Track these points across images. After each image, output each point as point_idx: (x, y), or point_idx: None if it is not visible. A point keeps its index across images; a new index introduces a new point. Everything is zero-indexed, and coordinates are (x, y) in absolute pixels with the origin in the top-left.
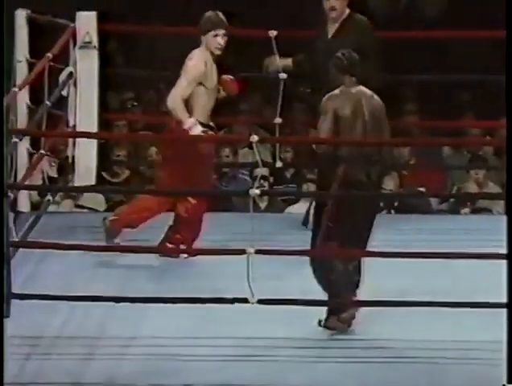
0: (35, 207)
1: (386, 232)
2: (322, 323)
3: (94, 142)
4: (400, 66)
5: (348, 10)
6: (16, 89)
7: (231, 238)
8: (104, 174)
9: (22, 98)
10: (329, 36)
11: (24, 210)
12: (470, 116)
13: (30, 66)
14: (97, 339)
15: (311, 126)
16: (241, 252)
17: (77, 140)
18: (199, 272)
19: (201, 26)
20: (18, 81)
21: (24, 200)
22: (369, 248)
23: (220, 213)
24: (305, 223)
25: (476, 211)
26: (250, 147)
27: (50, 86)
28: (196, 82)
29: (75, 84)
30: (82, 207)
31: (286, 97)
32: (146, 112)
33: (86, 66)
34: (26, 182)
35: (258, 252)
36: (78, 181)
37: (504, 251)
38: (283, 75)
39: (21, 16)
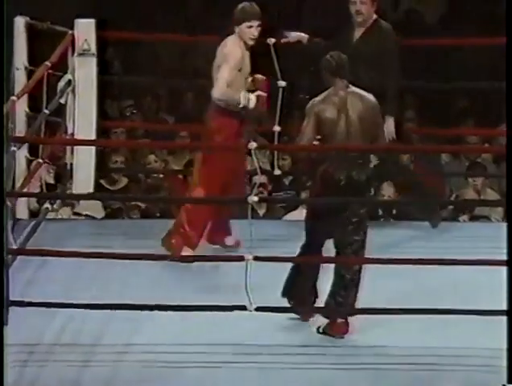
0: (33, 214)
1: (384, 239)
2: (321, 329)
3: (92, 150)
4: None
5: (374, 16)
6: (15, 98)
7: None
8: (102, 181)
9: (21, 106)
10: (354, 40)
11: (23, 217)
12: (468, 123)
13: (29, 73)
14: (94, 346)
15: None
16: (240, 258)
17: (76, 147)
18: (197, 279)
19: (235, 17)
20: (17, 89)
21: (23, 208)
22: (368, 255)
23: None
24: None
25: (474, 218)
26: (249, 154)
27: (48, 94)
28: (236, 68)
29: (73, 92)
30: (80, 214)
31: (286, 105)
32: (145, 119)
33: (85, 73)
34: (25, 190)
35: (256, 258)
36: (76, 188)
37: (503, 257)
38: (282, 83)
39: (20, 23)
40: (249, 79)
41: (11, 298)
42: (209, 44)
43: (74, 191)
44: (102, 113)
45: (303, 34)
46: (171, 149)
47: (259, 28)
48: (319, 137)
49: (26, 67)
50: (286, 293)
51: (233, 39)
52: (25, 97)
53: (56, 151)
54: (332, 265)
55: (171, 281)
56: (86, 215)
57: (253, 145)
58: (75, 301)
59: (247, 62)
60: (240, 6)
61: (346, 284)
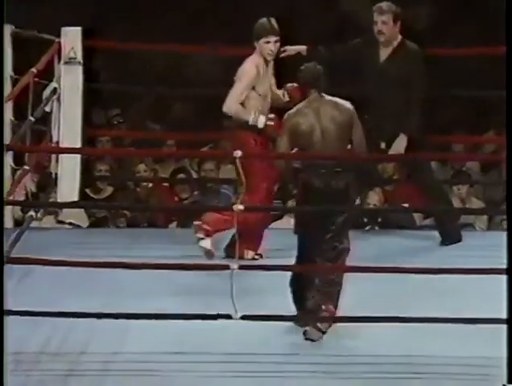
0: (17, 223)
1: (370, 247)
2: (305, 335)
3: (77, 158)
4: None
5: (400, 37)
6: None
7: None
8: (87, 190)
9: (6, 113)
10: (381, 60)
11: (8, 226)
12: (454, 131)
13: (15, 81)
14: (80, 355)
15: None
16: (225, 267)
17: (61, 156)
18: (182, 287)
19: (254, 33)
20: None
21: (7, 216)
22: (354, 263)
23: None
24: None
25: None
26: (235, 163)
27: (34, 101)
28: (249, 87)
29: (59, 100)
30: (63, 222)
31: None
32: (132, 128)
33: (70, 81)
34: (10, 198)
35: (241, 267)
36: (61, 197)
37: (491, 266)
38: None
39: (5, 31)
40: (283, 91)
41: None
42: (197, 54)
43: (59, 200)
44: (88, 122)
45: (302, 46)
46: (158, 157)
47: (277, 43)
48: (295, 149)
49: (11, 76)
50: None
51: (253, 56)
52: (9, 105)
53: (41, 160)
54: None
55: (156, 289)
56: (70, 224)
57: (238, 153)
58: (60, 310)
59: (266, 79)
60: (258, 21)
61: (324, 291)
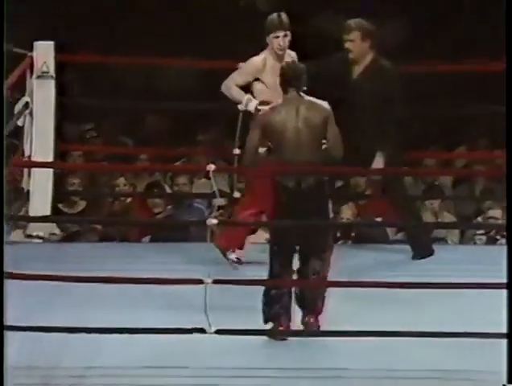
0: None
1: (344, 261)
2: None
3: (50, 173)
4: None
5: (371, 54)
6: None
7: (188, 268)
8: (60, 205)
9: None
10: (354, 77)
11: None
12: (426, 147)
13: None
14: (53, 369)
15: None
16: (199, 282)
17: (33, 170)
18: (156, 301)
19: (265, 28)
20: None
21: None
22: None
23: (176, 243)
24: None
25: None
26: (208, 177)
27: (6, 116)
28: (248, 75)
29: (31, 114)
30: (32, 236)
31: (246, 128)
32: (105, 142)
33: (43, 96)
34: None
35: (215, 281)
36: (33, 211)
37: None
38: (242, 107)
39: None
40: None
41: None
42: (171, 67)
43: (31, 214)
44: (62, 136)
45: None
46: (130, 172)
47: (287, 38)
48: (268, 145)
49: None
50: (265, 317)
51: (264, 51)
52: None
53: (13, 174)
54: None
55: (129, 303)
56: (40, 238)
57: (211, 167)
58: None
59: (274, 72)
60: (268, 17)
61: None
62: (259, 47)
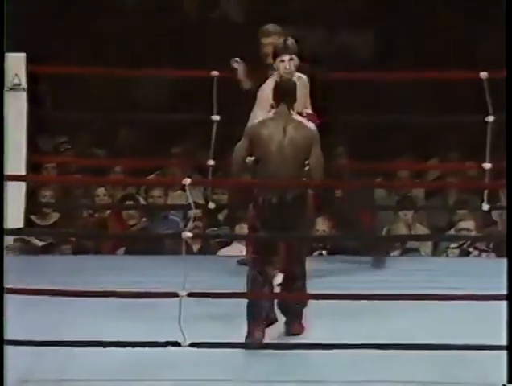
0: None
1: (318, 273)
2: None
3: (23, 185)
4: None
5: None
6: None
7: (163, 280)
8: (32, 217)
9: None
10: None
11: None
12: (400, 157)
13: None
14: (24, 382)
15: None
16: (174, 295)
17: (5, 183)
18: (130, 314)
19: (271, 53)
20: None
21: None
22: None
23: (151, 256)
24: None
25: (405, 252)
26: (184, 189)
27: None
28: (266, 107)
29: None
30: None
31: (220, 139)
32: (79, 154)
33: (14, 108)
34: None
35: (190, 294)
36: (6, 223)
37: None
38: (216, 117)
39: None
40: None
41: None
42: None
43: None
44: (35, 149)
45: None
46: (106, 185)
47: (292, 62)
48: (253, 157)
49: None
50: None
51: (272, 77)
52: None
53: None
54: None
55: (104, 315)
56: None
57: (187, 180)
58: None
59: None
60: (276, 42)
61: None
62: (233, 56)
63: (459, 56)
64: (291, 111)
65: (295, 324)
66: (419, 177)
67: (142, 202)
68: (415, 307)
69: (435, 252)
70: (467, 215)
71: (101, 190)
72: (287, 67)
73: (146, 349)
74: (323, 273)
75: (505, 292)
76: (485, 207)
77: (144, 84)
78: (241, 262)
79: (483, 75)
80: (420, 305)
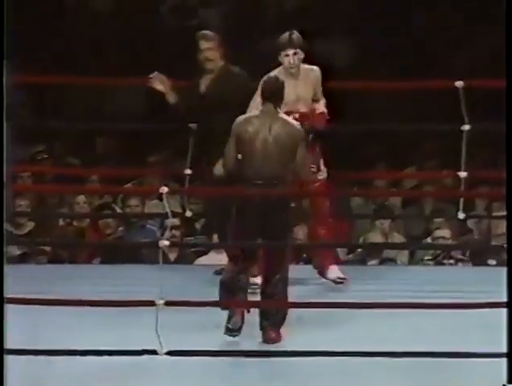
0: None
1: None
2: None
3: None
4: None
5: (221, 62)
6: None
7: (140, 289)
8: (7, 225)
9: None
10: (204, 87)
11: None
12: (376, 166)
13: None
14: None
15: None
16: (151, 303)
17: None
18: (107, 323)
19: (277, 47)
20: None
21: None
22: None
23: (128, 265)
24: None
25: (382, 261)
26: (160, 198)
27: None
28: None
29: None
30: None
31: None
32: (56, 163)
33: None
34: None
35: (167, 303)
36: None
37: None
38: (195, 126)
39: None
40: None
41: None
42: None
43: None
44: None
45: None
46: (83, 193)
47: (296, 56)
48: (239, 155)
49: None
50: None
51: (278, 69)
52: None
53: None
54: None
55: (81, 324)
56: None
57: (164, 189)
58: None
59: (288, 88)
60: (280, 36)
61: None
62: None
63: (435, 65)
64: (278, 109)
65: (271, 332)
66: (395, 186)
67: (119, 211)
68: (395, 315)
69: (412, 261)
70: (443, 223)
71: (81, 198)
72: (292, 61)
73: (123, 357)
74: (302, 281)
75: (481, 301)
76: (461, 215)
77: (121, 93)
78: (218, 272)
79: (458, 84)
80: (401, 314)
